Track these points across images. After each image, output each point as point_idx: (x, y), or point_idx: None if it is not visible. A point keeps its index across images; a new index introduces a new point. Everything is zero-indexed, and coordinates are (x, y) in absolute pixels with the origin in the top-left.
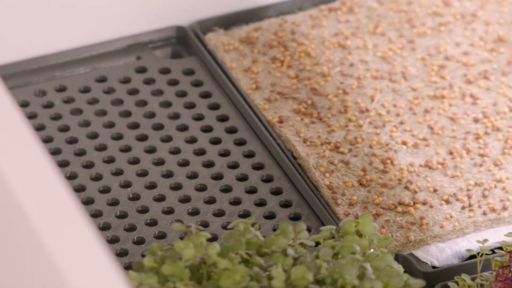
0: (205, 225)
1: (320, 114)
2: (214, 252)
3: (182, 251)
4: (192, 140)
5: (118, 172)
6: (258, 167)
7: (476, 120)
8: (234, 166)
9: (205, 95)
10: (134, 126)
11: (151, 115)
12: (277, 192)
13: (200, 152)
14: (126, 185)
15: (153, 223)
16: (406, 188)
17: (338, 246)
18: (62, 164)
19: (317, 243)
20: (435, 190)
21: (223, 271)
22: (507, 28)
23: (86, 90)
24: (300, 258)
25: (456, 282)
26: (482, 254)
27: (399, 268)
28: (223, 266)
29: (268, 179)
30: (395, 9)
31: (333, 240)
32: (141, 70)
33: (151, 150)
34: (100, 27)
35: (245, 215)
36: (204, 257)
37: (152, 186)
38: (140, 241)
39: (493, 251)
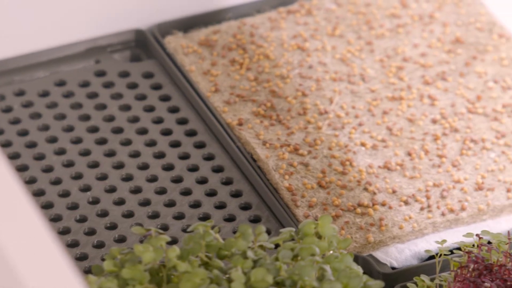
0: (165, 228)
1: (279, 116)
2: (174, 255)
3: (142, 255)
4: (151, 143)
5: (78, 176)
6: (217, 169)
7: (434, 121)
8: (194, 169)
9: (165, 98)
10: (94, 129)
11: (110, 119)
12: (237, 194)
13: (160, 155)
14: (86, 189)
15: (113, 226)
16: (365, 189)
17: (298, 248)
18: (21, 169)
19: (277, 245)
20: (394, 191)
21: (183, 274)
22: (465, 29)
23: (45, 94)
24: (259, 260)
25: (415, 283)
26: (440, 255)
27: (359, 269)
28: (183, 269)
29: (228, 182)
30: (353, 11)
31: (293, 242)
32: (100, 74)
33: (110, 154)
34: (59, 31)
35: (205, 218)
36: (164, 260)
37: (111, 189)
38: (100, 245)
39: (451, 251)
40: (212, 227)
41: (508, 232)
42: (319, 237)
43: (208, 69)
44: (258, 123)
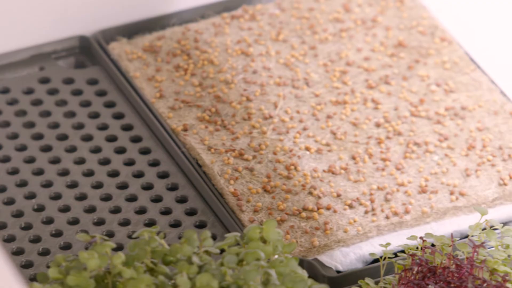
0: (110, 234)
1: (224, 122)
2: (119, 261)
3: (87, 262)
4: (96, 150)
5: (23, 184)
6: (163, 175)
7: (378, 125)
8: (139, 175)
9: (109, 105)
10: (38, 137)
11: (55, 126)
12: (182, 200)
13: (105, 162)
14: (31, 196)
15: (58, 234)
16: (310, 193)
17: (243, 253)
18: None
19: (222, 250)
20: (338, 195)
21: (128, 280)
22: (407, 33)
23: None
24: (205, 265)
25: (360, 286)
26: (385, 258)
27: (304, 273)
28: (128, 276)
29: (173, 188)
30: (297, 16)
31: (238, 247)
32: (45, 81)
33: (55, 161)
34: (3, 38)
35: (150, 224)
36: (109, 267)
37: (57, 196)
38: (45, 252)
39: (396, 254)
40: (158, 233)
41: (451, 234)
42: (264, 241)
43: (152, 75)
44: (203, 129)
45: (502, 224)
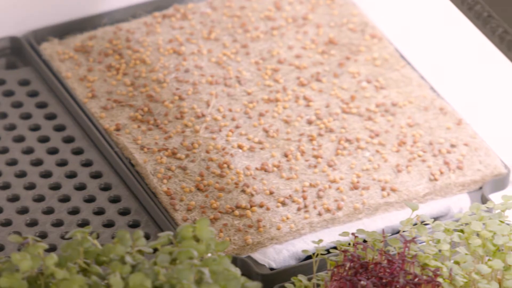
0: (43, 235)
1: (156, 121)
2: (52, 262)
3: (19, 263)
4: (29, 151)
5: None
6: (96, 175)
7: (309, 122)
8: (72, 175)
9: (42, 105)
10: None
11: None
12: (115, 200)
13: (38, 163)
14: None
15: None
16: (243, 191)
17: (176, 252)
18: None
19: (156, 250)
20: (271, 193)
21: (61, 281)
22: (337, 31)
23: None
24: (138, 265)
25: (293, 283)
26: (317, 255)
27: (237, 271)
28: (61, 276)
29: (106, 187)
30: (228, 14)
31: (171, 246)
32: None
33: None
34: None
35: (83, 224)
36: (42, 268)
37: None
38: None
39: (328, 251)
40: (91, 233)
41: (383, 230)
42: (197, 240)
43: (84, 75)
44: (136, 128)
45: (433, 219)
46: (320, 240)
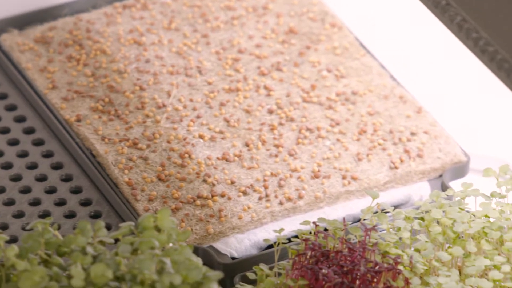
0: (4, 227)
1: (117, 111)
2: (13, 253)
3: None
4: None
5: None
6: (57, 166)
7: (270, 112)
8: (33, 166)
9: (1, 97)
10: None
11: None
12: (77, 191)
13: None
14: None
15: None
16: (204, 181)
17: (137, 242)
18: None
19: (117, 240)
20: (232, 182)
21: (22, 272)
22: (298, 20)
23: None
24: (99, 255)
25: (255, 272)
26: (279, 244)
27: (198, 261)
28: (22, 268)
29: (67, 178)
30: (188, 4)
31: (132, 236)
32: None
33: None
34: None
35: (45, 215)
36: (3, 260)
37: None
38: None
39: (289, 239)
40: (52, 224)
41: (344, 218)
42: (159, 230)
43: (44, 66)
44: (97, 119)
45: (393, 207)
46: (282, 229)
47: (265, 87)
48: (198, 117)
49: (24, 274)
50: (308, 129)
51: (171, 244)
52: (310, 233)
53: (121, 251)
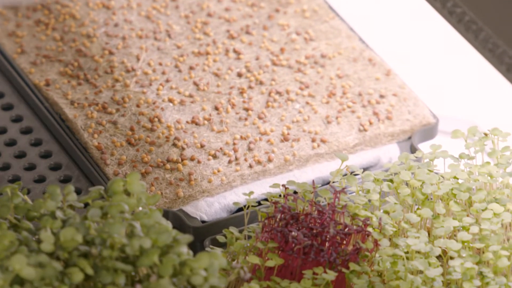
0: None
1: (86, 76)
2: None
3: None
4: None
5: None
6: (26, 131)
7: (240, 75)
8: (1, 131)
9: None
10: None
11: None
12: (46, 155)
13: None
14: None
15: None
16: (174, 145)
17: (107, 206)
18: None
19: (87, 204)
20: (202, 146)
21: None
22: None
23: None
24: (69, 220)
25: (225, 235)
26: (248, 207)
27: (168, 224)
28: None
29: (37, 143)
30: None
31: (102, 201)
32: None
33: None
34: None
35: (14, 180)
36: None
37: None
38: None
39: (259, 203)
40: (21, 189)
41: (313, 181)
42: (128, 194)
43: (13, 30)
44: (66, 83)
45: (362, 170)
46: (251, 192)
47: (234, 51)
48: (167, 81)
49: None
50: (277, 92)
51: (140, 208)
52: (280, 196)
53: (91, 215)
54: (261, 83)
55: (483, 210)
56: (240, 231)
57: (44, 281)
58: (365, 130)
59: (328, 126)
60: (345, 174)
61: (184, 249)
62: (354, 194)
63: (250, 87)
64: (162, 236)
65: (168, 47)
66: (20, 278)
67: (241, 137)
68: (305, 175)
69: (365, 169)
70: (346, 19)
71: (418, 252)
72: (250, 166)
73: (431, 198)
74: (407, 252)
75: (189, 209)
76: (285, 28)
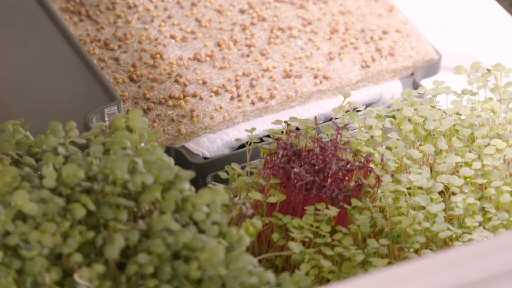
0: None
1: (88, 12)
2: None
3: None
4: None
5: None
6: None
7: (242, 11)
8: None
9: None
10: None
11: None
12: None
13: None
14: None
15: None
16: (176, 81)
17: (109, 142)
18: None
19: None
20: (204, 82)
21: None
22: None
23: None
24: (71, 156)
25: (227, 172)
26: (250, 143)
27: (170, 160)
28: None
29: None
30: None
31: (104, 137)
32: None
33: None
34: None
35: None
36: None
37: None
38: None
39: (261, 139)
40: (23, 125)
41: (315, 117)
42: (130, 130)
43: None
44: (68, 19)
45: (364, 106)
46: (253, 129)
47: None
48: (169, 17)
49: None
50: (280, 29)
51: (142, 144)
52: (282, 132)
53: (93, 151)
54: (263, 19)
55: (485, 146)
56: (242, 168)
57: (46, 216)
58: (367, 66)
59: (330, 63)
60: (348, 111)
61: (186, 185)
62: (356, 130)
63: (252, 24)
64: (164, 172)
65: None
66: (22, 213)
67: (243, 73)
68: (307, 111)
69: (367, 106)
70: None
71: (420, 188)
72: (252, 103)
73: (434, 134)
74: (409, 188)
75: (191, 145)
76: None
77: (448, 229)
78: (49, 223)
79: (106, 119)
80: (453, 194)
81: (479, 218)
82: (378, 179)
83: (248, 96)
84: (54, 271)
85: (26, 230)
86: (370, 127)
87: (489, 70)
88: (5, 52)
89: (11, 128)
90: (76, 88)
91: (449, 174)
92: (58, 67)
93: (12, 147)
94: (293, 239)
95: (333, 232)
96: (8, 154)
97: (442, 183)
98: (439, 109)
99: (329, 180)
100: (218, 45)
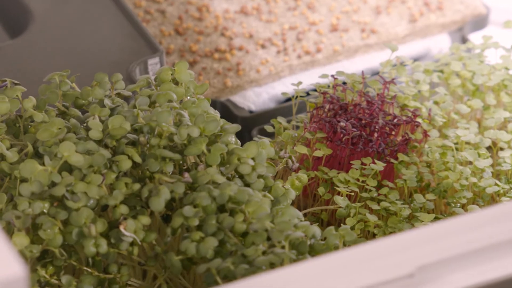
0: None
1: None
2: (30, 105)
3: None
4: None
5: None
6: None
7: None
8: None
9: None
10: None
11: None
12: None
13: None
14: None
15: None
16: (222, 34)
17: (155, 95)
18: None
19: (134, 93)
20: (250, 36)
21: (40, 124)
22: None
23: None
24: (117, 108)
25: (272, 125)
26: (297, 97)
27: (216, 113)
28: (39, 119)
29: None
30: None
31: (150, 89)
32: None
33: None
34: None
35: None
36: (21, 111)
37: None
38: None
39: (308, 93)
40: (69, 77)
41: (362, 72)
42: (176, 83)
43: None
44: None
45: (412, 60)
46: (300, 83)
47: None
48: None
49: (42, 126)
50: None
51: (188, 97)
52: (328, 86)
53: (139, 103)
54: None
55: None
56: (288, 121)
57: (92, 168)
58: (415, 20)
59: (378, 17)
60: (395, 65)
61: (232, 139)
62: (404, 84)
63: None
64: (210, 125)
65: None
66: (68, 165)
67: (290, 27)
68: (354, 65)
69: (415, 60)
70: None
71: (468, 143)
72: (299, 56)
73: (482, 89)
74: (456, 143)
75: (237, 99)
76: None
77: (496, 184)
78: (95, 175)
79: (149, 70)
80: (501, 149)
81: None
82: (425, 133)
83: (294, 50)
84: (99, 222)
85: (72, 181)
86: (418, 82)
87: None
88: (50, 6)
89: (58, 80)
90: (119, 40)
91: (497, 129)
92: (101, 19)
93: (58, 98)
94: (339, 193)
95: (379, 186)
96: (55, 105)
97: (490, 138)
98: (487, 64)
99: (375, 135)
100: None
